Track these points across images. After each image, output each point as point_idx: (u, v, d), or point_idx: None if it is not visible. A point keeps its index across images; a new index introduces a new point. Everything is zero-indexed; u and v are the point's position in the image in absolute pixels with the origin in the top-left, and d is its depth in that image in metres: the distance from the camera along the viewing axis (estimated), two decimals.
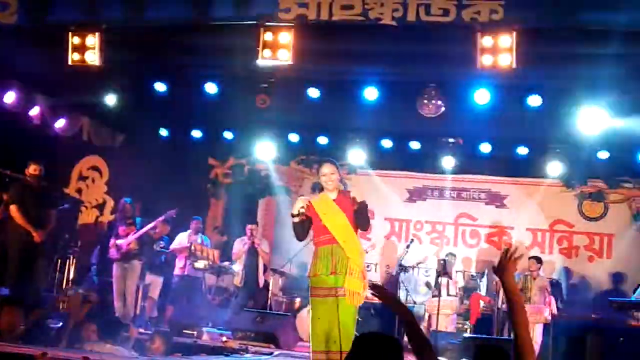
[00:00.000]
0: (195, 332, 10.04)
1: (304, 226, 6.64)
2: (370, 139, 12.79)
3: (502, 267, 3.58)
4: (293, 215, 6.59)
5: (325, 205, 6.61)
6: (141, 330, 9.90)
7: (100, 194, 13.90)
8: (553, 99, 9.94)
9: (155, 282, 11.57)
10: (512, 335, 3.53)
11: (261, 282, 11.92)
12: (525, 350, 3.33)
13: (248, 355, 8.52)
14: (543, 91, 9.82)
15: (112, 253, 10.87)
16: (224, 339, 9.57)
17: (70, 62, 8.74)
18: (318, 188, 6.98)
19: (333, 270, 6.43)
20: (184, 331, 10.16)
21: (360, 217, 6.59)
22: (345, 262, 6.43)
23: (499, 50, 7.91)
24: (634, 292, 11.29)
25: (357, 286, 6.39)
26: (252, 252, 11.74)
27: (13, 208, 9.41)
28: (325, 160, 6.93)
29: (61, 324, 8.25)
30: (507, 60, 7.90)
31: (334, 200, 6.64)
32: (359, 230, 6.67)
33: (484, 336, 10.20)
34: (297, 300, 12.36)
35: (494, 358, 3.22)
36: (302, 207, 6.52)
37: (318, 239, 6.67)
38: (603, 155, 11.99)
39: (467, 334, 11.09)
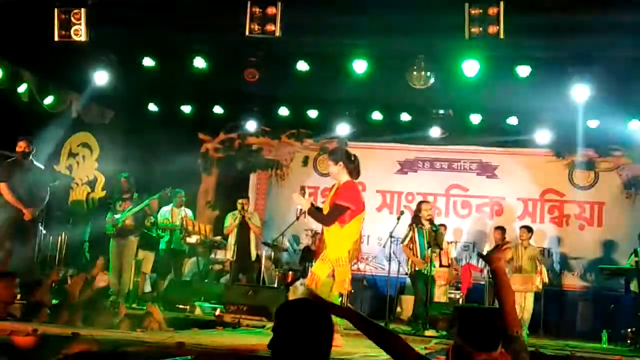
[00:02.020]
0: (187, 307, 10.10)
1: None
2: (360, 112, 12.79)
3: (492, 259, 3.71)
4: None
5: (330, 192, 6.99)
6: (134, 305, 9.97)
7: (91, 171, 13.90)
8: (542, 68, 9.91)
9: (147, 257, 11.60)
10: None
11: (253, 256, 11.95)
12: (511, 322, 3.47)
13: (241, 328, 8.56)
14: (532, 61, 9.80)
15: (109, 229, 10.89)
16: (217, 312, 9.62)
17: (56, 39, 8.70)
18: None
19: (318, 256, 6.85)
20: (177, 306, 10.22)
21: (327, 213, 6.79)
22: (322, 248, 6.76)
23: (487, 20, 7.92)
24: (629, 259, 11.33)
25: (321, 271, 6.67)
26: (244, 226, 11.76)
27: (2, 186, 9.38)
28: (329, 152, 7.13)
29: (55, 301, 8.27)
30: (495, 30, 7.91)
31: (337, 187, 6.88)
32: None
33: (475, 305, 10.27)
34: (290, 273, 12.43)
35: (476, 318, 3.25)
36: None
37: None
38: (593, 123, 11.99)
39: (458, 304, 11.17)
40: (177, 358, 4.76)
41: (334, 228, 6.74)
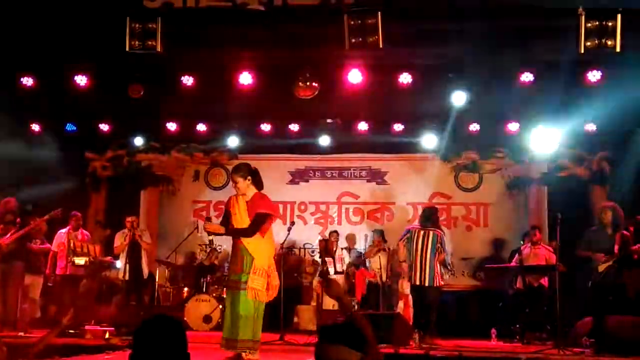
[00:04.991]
0: (78, 332, 9.82)
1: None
2: (249, 124, 12.81)
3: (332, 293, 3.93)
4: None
5: (237, 206, 7.13)
6: (21, 333, 9.65)
7: None
8: (422, 75, 10.21)
9: (35, 282, 11.20)
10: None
11: (145, 274, 11.71)
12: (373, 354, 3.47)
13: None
14: (412, 68, 10.06)
15: None
16: (106, 335, 9.39)
17: None
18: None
19: (240, 269, 6.95)
20: (67, 331, 9.90)
21: (251, 224, 7.00)
22: (249, 261, 6.93)
23: (366, 30, 8.10)
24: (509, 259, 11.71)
25: (259, 284, 6.90)
26: (134, 245, 11.48)
27: None
28: (234, 168, 7.32)
29: None
30: (374, 39, 8.10)
31: (247, 202, 7.11)
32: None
33: (369, 311, 10.40)
34: (185, 289, 12.31)
35: (337, 336, 3.33)
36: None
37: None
38: (474, 127, 12.40)
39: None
40: None
41: (256, 239, 6.98)
